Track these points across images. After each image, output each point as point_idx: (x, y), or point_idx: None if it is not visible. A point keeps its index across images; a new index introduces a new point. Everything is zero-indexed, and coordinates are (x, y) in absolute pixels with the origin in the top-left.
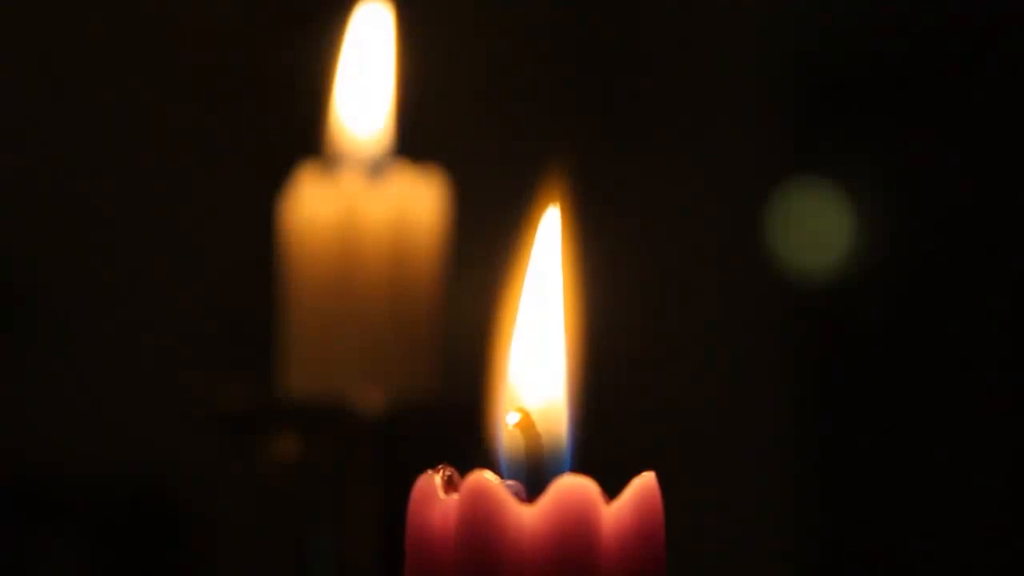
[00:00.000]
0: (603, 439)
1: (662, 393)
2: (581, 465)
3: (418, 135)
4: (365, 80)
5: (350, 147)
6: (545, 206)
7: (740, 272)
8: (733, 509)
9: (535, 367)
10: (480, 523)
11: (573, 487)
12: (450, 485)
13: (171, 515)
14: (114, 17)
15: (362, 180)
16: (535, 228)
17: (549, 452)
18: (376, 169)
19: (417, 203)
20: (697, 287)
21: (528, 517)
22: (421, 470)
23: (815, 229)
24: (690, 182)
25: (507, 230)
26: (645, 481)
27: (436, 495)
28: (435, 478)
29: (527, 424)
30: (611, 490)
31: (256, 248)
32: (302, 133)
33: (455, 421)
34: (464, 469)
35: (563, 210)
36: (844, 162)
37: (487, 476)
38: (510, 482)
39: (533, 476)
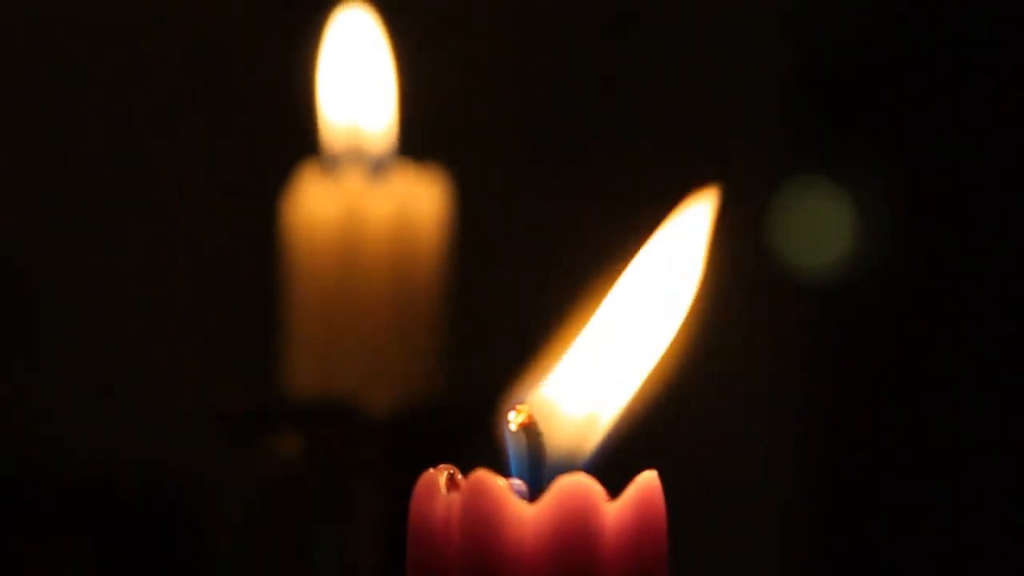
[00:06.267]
0: (605, 438)
1: (663, 392)
2: (583, 464)
3: (420, 134)
4: (359, 79)
5: (352, 146)
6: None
7: (741, 271)
8: (735, 508)
9: (592, 375)
10: (482, 521)
11: (575, 486)
12: (452, 484)
13: (172, 515)
14: (116, 15)
15: (364, 179)
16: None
17: (570, 459)
18: (378, 168)
19: (419, 202)
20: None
21: (530, 515)
22: (424, 469)
23: (816, 228)
24: (691, 181)
25: (509, 229)
26: (647, 480)
27: (438, 493)
28: (437, 476)
29: (530, 423)
30: (614, 489)
31: (258, 247)
32: (304, 132)
33: (458, 420)
34: (467, 468)
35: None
36: (845, 161)
37: (489, 474)
38: (513, 481)
39: (536, 475)
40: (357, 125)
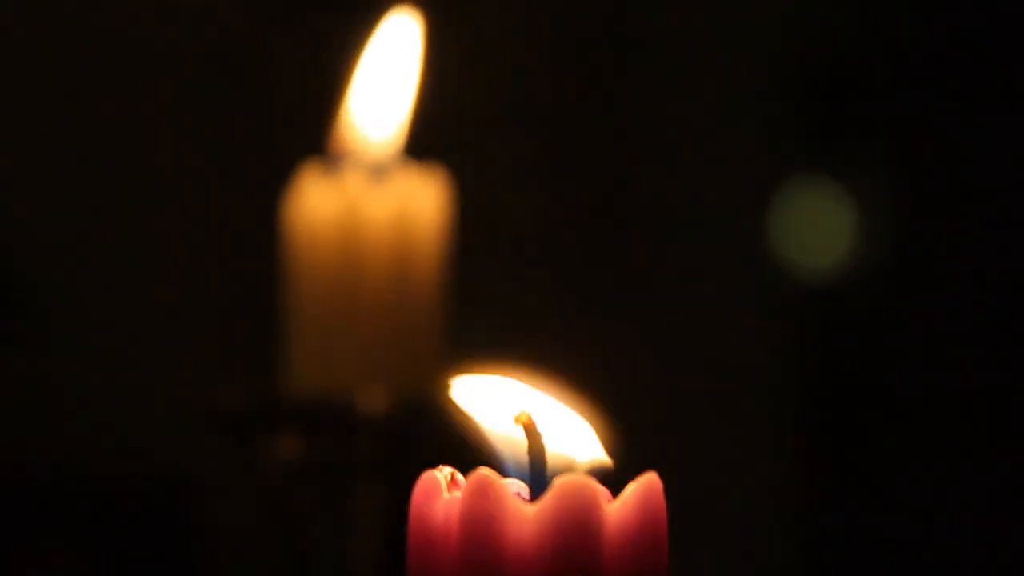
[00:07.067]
0: (605, 438)
1: (663, 392)
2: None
3: (422, 134)
4: (386, 83)
5: (354, 146)
6: None
7: (742, 271)
8: (735, 509)
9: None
10: (482, 521)
11: (575, 486)
12: (452, 484)
13: (172, 515)
14: (119, 12)
15: (365, 179)
16: None
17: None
18: (379, 168)
19: (420, 202)
20: (699, 286)
21: (530, 516)
22: (423, 469)
23: (818, 228)
24: (691, 180)
25: (509, 229)
26: (648, 481)
27: (439, 493)
28: (438, 477)
29: (530, 424)
30: (614, 489)
31: (259, 246)
32: (306, 131)
33: (458, 420)
34: (467, 468)
35: None
36: (845, 161)
37: (490, 474)
38: (513, 481)
39: (536, 476)
40: (366, 126)
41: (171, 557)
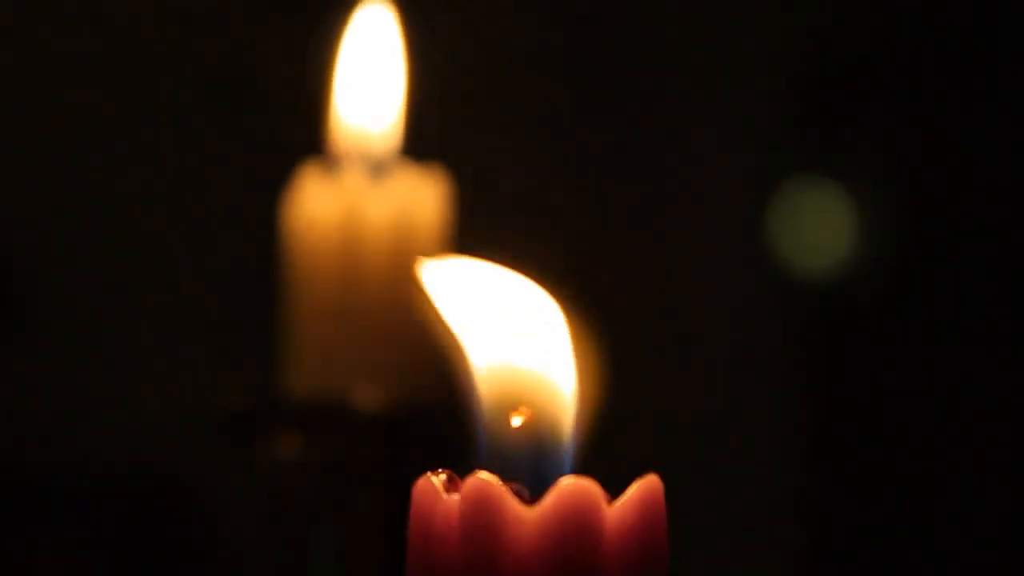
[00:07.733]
0: (605, 439)
1: (664, 393)
2: (583, 466)
3: (421, 134)
4: (371, 79)
5: (354, 146)
6: None
7: (742, 270)
8: (735, 510)
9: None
10: (482, 524)
11: (575, 488)
12: (451, 485)
13: (172, 515)
14: (117, 14)
15: (365, 179)
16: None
17: (551, 452)
18: (379, 168)
19: (420, 202)
20: (699, 285)
21: (530, 518)
22: (423, 469)
23: (816, 228)
24: (691, 180)
25: (509, 230)
26: (648, 482)
27: (438, 495)
28: (436, 479)
29: (531, 420)
30: (615, 491)
31: (258, 247)
32: (305, 131)
33: (458, 420)
34: (466, 469)
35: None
36: (845, 161)
37: (489, 477)
38: (512, 483)
39: (536, 477)
40: (363, 125)
41: (171, 557)
